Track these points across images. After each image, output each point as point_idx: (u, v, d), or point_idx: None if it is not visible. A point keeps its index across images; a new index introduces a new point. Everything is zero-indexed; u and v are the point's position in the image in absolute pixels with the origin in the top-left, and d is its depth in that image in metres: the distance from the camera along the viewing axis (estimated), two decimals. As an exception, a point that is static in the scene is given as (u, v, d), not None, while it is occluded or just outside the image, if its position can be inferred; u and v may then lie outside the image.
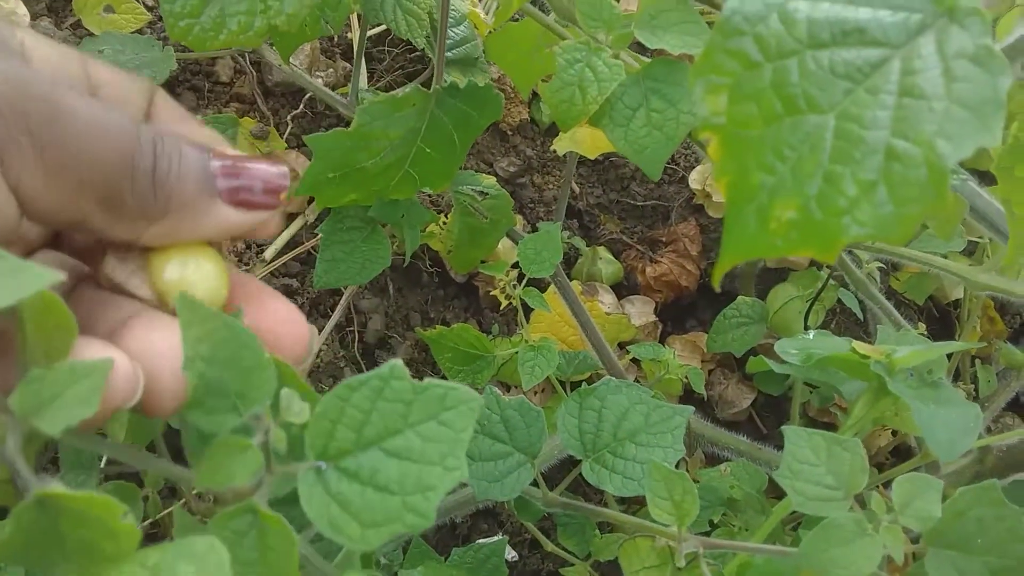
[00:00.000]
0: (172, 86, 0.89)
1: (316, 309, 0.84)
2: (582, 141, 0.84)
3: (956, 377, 1.09)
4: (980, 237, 0.91)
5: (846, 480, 0.46)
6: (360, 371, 0.84)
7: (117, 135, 0.32)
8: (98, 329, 0.34)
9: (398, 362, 0.34)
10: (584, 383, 0.85)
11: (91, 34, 0.83)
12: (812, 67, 0.32)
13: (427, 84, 1.04)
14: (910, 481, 0.45)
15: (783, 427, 0.51)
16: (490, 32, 0.90)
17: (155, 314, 0.34)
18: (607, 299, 1.00)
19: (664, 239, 1.09)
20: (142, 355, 0.32)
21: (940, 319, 1.18)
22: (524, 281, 0.78)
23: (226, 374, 0.33)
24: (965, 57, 0.28)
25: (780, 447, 0.94)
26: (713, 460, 0.90)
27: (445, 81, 0.64)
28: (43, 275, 0.26)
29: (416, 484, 0.32)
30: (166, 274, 0.35)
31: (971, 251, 1.00)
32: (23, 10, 0.81)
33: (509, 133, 1.11)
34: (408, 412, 0.33)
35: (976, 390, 1.11)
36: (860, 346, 0.60)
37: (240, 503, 0.32)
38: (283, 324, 0.37)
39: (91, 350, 0.31)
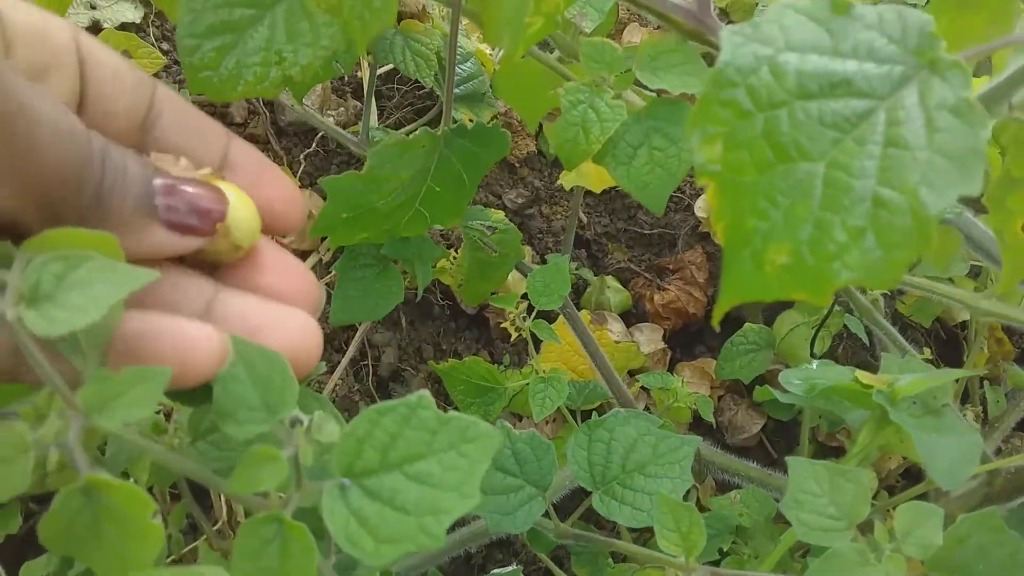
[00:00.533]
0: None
1: (331, 344, 0.86)
2: (588, 175, 0.85)
3: (965, 398, 1.09)
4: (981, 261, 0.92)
5: (848, 510, 0.47)
6: (374, 403, 0.86)
7: (70, 142, 0.31)
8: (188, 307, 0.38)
9: (426, 393, 0.36)
10: (595, 412, 0.86)
11: (109, 79, 0.86)
12: (802, 117, 0.33)
13: (436, 120, 1.06)
14: (912, 509, 0.46)
15: (788, 457, 0.52)
16: (496, 68, 0.93)
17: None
18: (616, 327, 1.01)
19: (671, 267, 1.10)
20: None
21: (948, 341, 1.19)
22: (534, 314, 0.80)
23: (257, 391, 0.37)
24: (946, 109, 0.30)
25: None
26: (724, 486, 0.91)
27: (454, 121, 0.66)
28: (139, 274, 0.30)
29: (431, 507, 0.34)
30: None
31: (976, 272, 1.01)
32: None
33: (517, 165, 1.13)
34: (432, 440, 0.35)
35: (985, 411, 1.11)
36: (863, 375, 0.61)
37: (269, 512, 0.34)
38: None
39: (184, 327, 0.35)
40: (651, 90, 0.62)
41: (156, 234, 0.35)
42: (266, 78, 0.49)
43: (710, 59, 0.64)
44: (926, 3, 0.51)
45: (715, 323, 0.36)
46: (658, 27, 0.66)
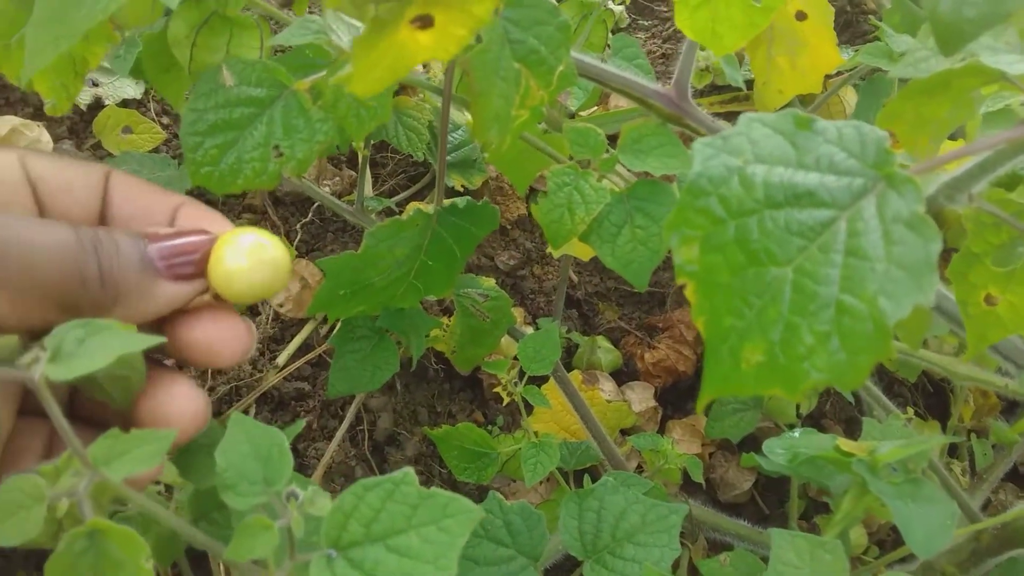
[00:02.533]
0: (187, 192, 0.94)
1: (327, 410, 0.88)
2: (576, 245, 0.87)
3: (952, 452, 1.11)
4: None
5: (829, 583, 0.48)
6: (371, 469, 0.87)
7: (63, 251, 0.36)
8: None
9: (410, 470, 0.39)
10: (587, 472, 0.88)
11: (111, 154, 0.88)
12: (770, 225, 0.36)
13: (429, 187, 1.09)
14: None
15: (770, 529, 0.53)
16: (472, 132, 0.95)
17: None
18: (607, 387, 1.03)
19: (661, 325, 1.12)
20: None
21: (935, 394, 1.21)
22: (525, 379, 0.82)
23: (258, 465, 0.40)
24: (901, 222, 0.32)
25: (781, 528, 0.96)
26: (715, 545, 0.92)
27: (447, 192, 0.68)
28: (149, 338, 0.34)
29: (408, 578, 0.37)
30: (224, 267, 0.40)
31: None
32: (47, 137, 0.86)
33: (508, 227, 1.15)
34: (413, 515, 0.38)
35: (972, 464, 1.13)
36: (843, 443, 0.63)
37: None
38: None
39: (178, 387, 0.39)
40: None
41: (166, 289, 0.39)
42: (264, 172, 0.52)
43: (688, 140, 0.67)
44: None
45: (699, 410, 0.38)
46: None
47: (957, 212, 0.50)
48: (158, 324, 0.40)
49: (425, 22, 0.35)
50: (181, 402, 0.40)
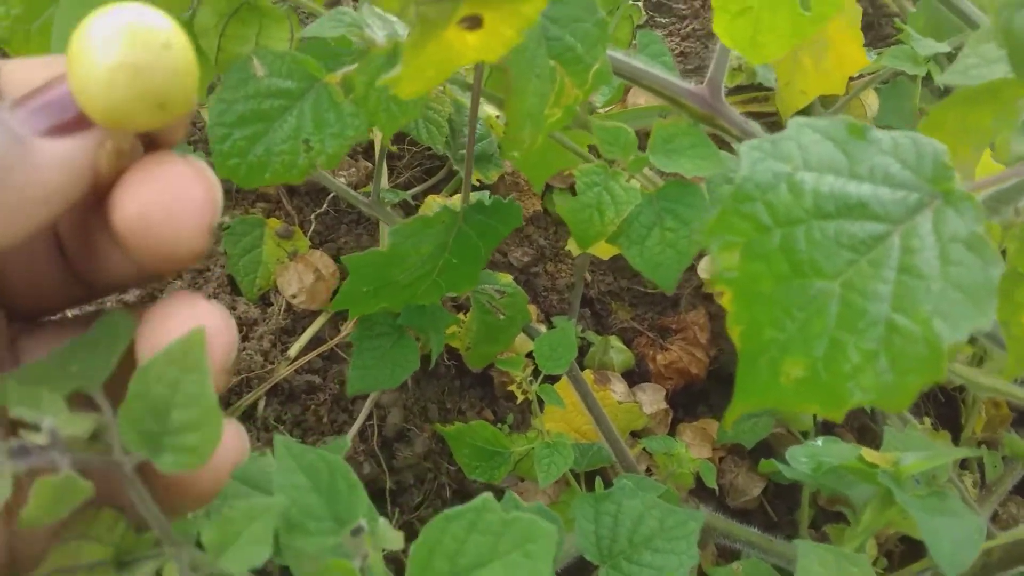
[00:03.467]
0: (202, 185, 0.93)
1: (337, 404, 0.87)
2: (598, 244, 0.87)
3: (963, 463, 1.10)
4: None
5: (856, 599, 0.48)
6: (379, 465, 0.86)
7: None
8: None
9: (489, 496, 0.37)
10: (597, 474, 0.87)
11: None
12: (818, 236, 0.35)
13: (446, 180, 1.08)
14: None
15: (796, 540, 0.53)
16: (504, 131, 0.95)
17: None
18: (619, 388, 1.02)
19: (674, 326, 1.12)
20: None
21: (946, 403, 1.20)
22: (540, 377, 0.81)
23: (323, 500, 0.37)
24: (960, 241, 0.31)
25: (790, 536, 0.96)
26: (725, 552, 0.92)
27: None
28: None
29: (500, 611, 0.36)
30: (94, 72, 0.26)
31: (973, 337, 1.03)
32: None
33: (523, 224, 1.14)
34: (497, 543, 0.36)
35: (983, 475, 1.12)
36: (868, 454, 0.62)
37: None
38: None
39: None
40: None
41: (46, 149, 0.27)
42: (294, 165, 0.51)
43: (720, 141, 0.66)
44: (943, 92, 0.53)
45: (727, 426, 0.38)
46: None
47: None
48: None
49: (474, 22, 0.34)
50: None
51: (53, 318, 0.35)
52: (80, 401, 0.28)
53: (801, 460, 0.62)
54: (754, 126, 0.62)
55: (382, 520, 0.36)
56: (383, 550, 0.36)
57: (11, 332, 0.33)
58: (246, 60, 0.51)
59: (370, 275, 0.62)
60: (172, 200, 0.28)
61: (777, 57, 0.50)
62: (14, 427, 0.26)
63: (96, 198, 0.29)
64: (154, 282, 0.30)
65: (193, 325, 0.28)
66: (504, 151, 0.95)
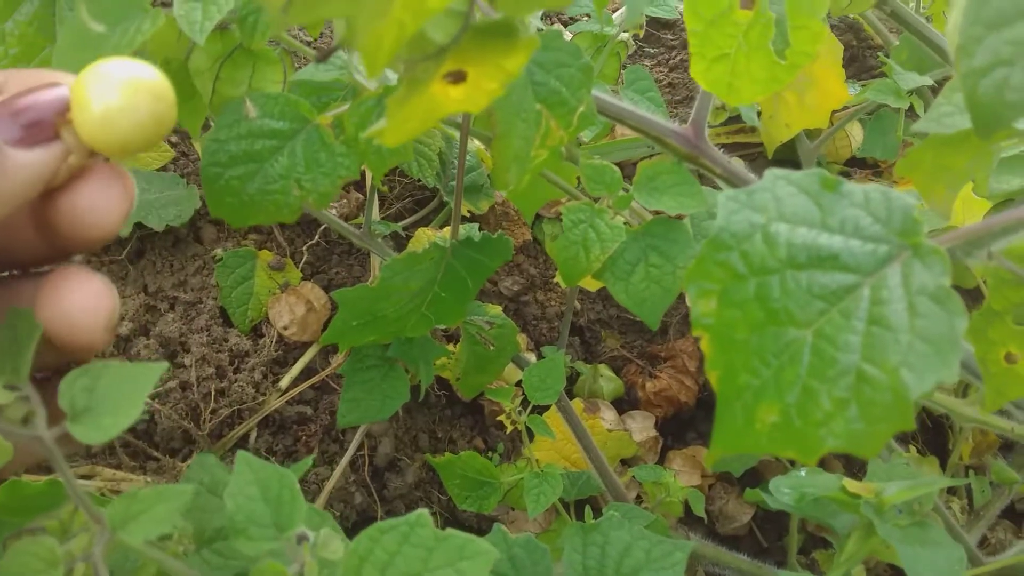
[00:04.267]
0: (194, 220, 0.94)
1: (328, 435, 0.88)
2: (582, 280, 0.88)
3: (951, 489, 1.11)
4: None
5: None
6: (370, 495, 0.87)
7: None
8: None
9: (424, 512, 0.39)
10: (588, 503, 0.88)
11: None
12: (791, 285, 0.36)
13: (436, 211, 1.09)
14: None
15: (782, 572, 0.54)
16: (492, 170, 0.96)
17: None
18: (608, 416, 1.03)
19: (663, 354, 1.13)
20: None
21: (933, 428, 1.21)
22: (529, 408, 0.82)
23: (268, 508, 0.39)
24: (926, 294, 0.32)
25: (780, 563, 0.96)
26: (714, 579, 0.92)
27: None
28: (152, 369, 0.34)
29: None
30: (92, 110, 0.31)
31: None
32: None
33: (513, 253, 1.15)
34: (429, 558, 0.38)
35: (970, 501, 1.13)
36: (850, 484, 0.63)
37: None
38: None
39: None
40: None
41: (18, 159, 0.31)
42: (286, 204, 0.52)
43: (703, 180, 0.68)
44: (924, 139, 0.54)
45: (709, 466, 0.38)
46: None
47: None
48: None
49: (457, 77, 0.35)
50: (91, 299, 0.34)
51: None
52: None
53: (784, 491, 0.63)
54: (737, 165, 0.63)
55: (325, 530, 0.38)
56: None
57: None
58: (239, 102, 0.52)
59: (360, 309, 0.63)
60: (115, 195, 0.34)
61: (754, 101, 0.51)
62: None
63: None
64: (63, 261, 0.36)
65: (85, 294, 0.34)
66: (494, 184, 0.97)
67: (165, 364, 0.34)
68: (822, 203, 0.36)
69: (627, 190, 0.64)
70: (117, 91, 0.31)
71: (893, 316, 0.33)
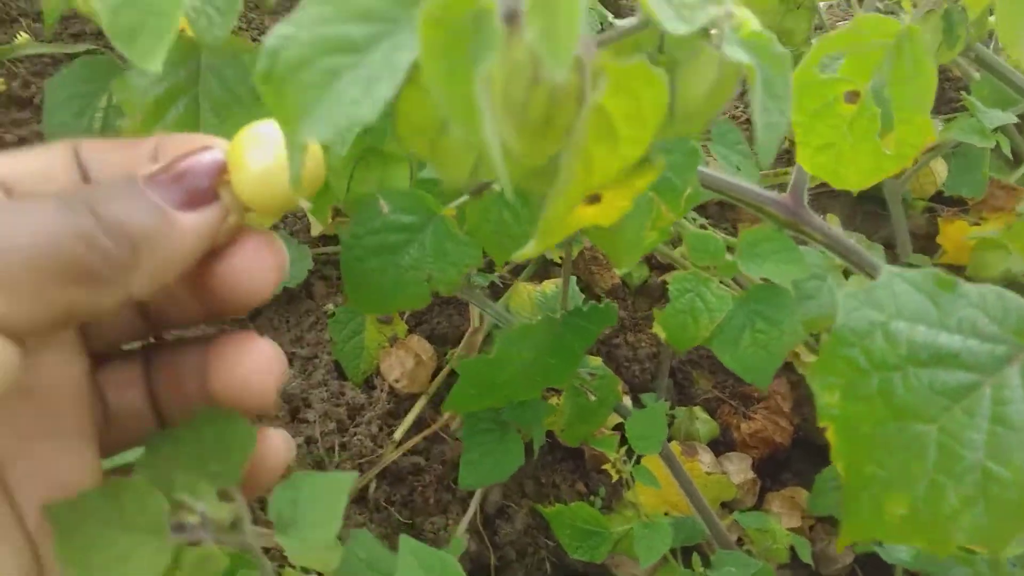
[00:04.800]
0: (307, 277, 1.00)
1: (441, 483, 0.92)
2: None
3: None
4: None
5: None
6: (482, 541, 0.91)
7: (47, 219, 0.29)
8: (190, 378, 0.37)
9: None
10: (694, 550, 0.90)
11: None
12: (914, 382, 0.38)
13: (529, 262, 1.13)
14: None
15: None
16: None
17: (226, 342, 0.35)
18: (706, 458, 1.05)
19: (756, 395, 1.14)
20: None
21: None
22: (635, 457, 0.85)
23: None
24: (1047, 392, 0.35)
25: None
26: (819, 622, 0.93)
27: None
28: (342, 480, 0.37)
29: None
30: (250, 169, 0.32)
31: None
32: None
33: (603, 296, 1.19)
34: None
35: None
36: (963, 541, 0.64)
37: None
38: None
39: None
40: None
41: (184, 221, 0.31)
42: (416, 295, 0.56)
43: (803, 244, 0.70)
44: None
45: (840, 549, 0.41)
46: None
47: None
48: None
49: (593, 199, 0.39)
50: (264, 363, 0.35)
51: (125, 348, 0.39)
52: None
53: (900, 547, 0.64)
54: (837, 231, 0.65)
55: None
56: None
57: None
58: (374, 199, 0.57)
59: (479, 379, 0.67)
60: (269, 257, 0.34)
61: (860, 188, 0.54)
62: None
63: None
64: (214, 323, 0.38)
65: (257, 358, 0.35)
66: (586, 231, 1.00)
67: (354, 474, 0.38)
68: (939, 302, 0.39)
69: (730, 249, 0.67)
70: (273, 151, 0.32)
71: (1016, 416, 0.35)
